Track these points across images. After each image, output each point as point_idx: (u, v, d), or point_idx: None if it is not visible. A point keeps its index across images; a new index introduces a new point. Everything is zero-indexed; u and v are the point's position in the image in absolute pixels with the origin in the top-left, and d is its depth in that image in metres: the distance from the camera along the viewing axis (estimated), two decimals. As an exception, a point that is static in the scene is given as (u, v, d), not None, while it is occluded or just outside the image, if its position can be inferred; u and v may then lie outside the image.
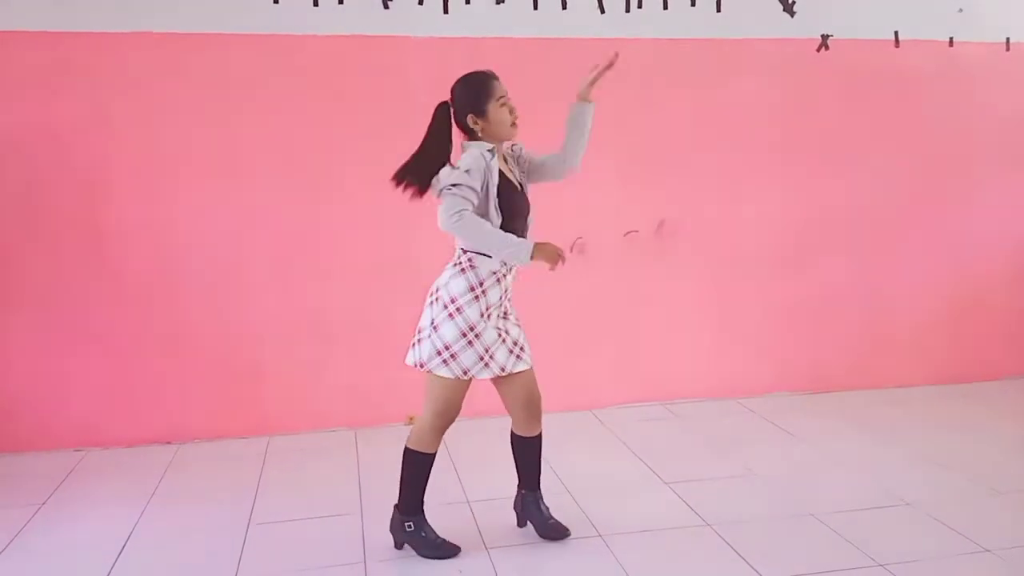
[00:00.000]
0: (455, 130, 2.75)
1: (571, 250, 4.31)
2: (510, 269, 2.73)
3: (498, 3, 4.15)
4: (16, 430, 3.92)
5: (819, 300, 4.68)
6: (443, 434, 2.81)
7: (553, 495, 3.31)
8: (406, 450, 2.84)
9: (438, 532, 2.89)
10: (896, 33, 4.56)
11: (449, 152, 2.70)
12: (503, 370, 2.75)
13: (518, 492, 3.02)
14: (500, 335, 2.73)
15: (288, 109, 4.01)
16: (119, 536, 3.07)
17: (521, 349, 2.81)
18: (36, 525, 3.19)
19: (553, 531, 2.96)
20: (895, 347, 4.79)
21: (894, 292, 4.77)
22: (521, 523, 3.03)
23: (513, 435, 2.95)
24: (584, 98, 2.85)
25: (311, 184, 4.07)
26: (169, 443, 4.06)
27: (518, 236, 2.66)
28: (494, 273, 2.69)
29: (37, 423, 3.95)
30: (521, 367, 2.80)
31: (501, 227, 2.65)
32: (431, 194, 2.70)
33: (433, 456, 2.83)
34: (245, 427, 4.12)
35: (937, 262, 4.79)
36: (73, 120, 3.85)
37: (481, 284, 2.67)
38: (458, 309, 2.66)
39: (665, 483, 3.49)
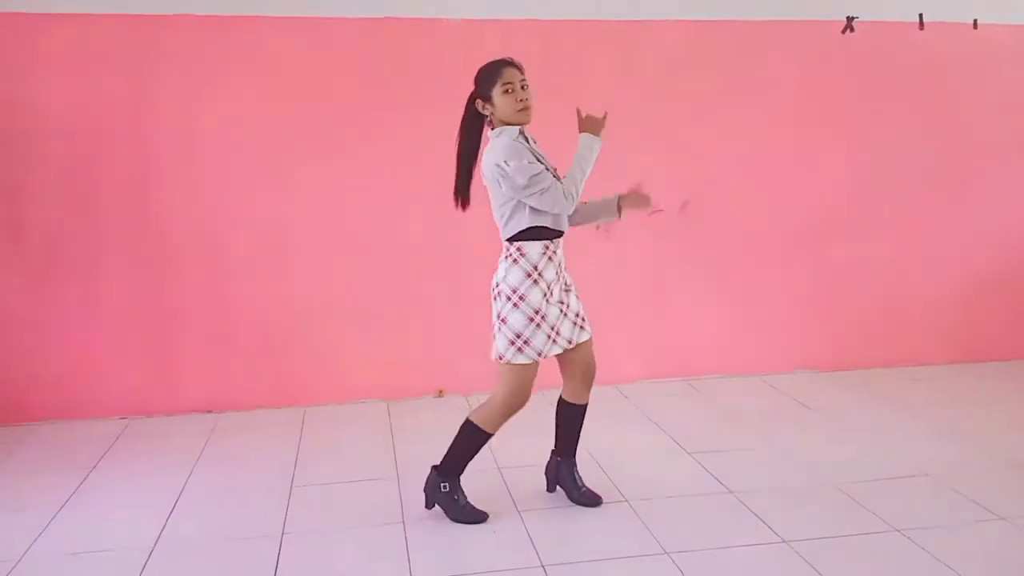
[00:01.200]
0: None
1: (596, 229, 4.41)
2: (557, 244, 2.83)
3: (524, -13, 4.24)
4: (66, 398, 4.10)
5: (840, 280, 4.77)
6: (508, 419, 2.88)
7: (580, 464, 3.44)
8: (468, 421, 2.91)
9: (470, 497, 3.01)
10: (920, 15, 4.61)
11: (479, 148, 2.85)
12: (570, 343, 2.87)
13: (552, 457, 3.15)
14: (562, 310, 2.85)
15: (325, 90, 4.14)
16: (170, 496, 3.24)
17: (583, 320, 2.94)
18: (89, 486, 3.37)
19: (585, 498, 3.08)
20: (913, 326, 4.88)
21: (914, 272, 4.85)
22: (551, 488, 3.17)
23: (562, 401, 3.06)
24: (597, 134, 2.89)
25: (348, 164, 4.20)
26: (210, 412, 4.23)
27: (552, 220, 2.80)
28: (543, 253, 2.79)
29: (85, 392, 4.12)
30: (584, 337, 2.94)
31: (535, 214, 2.76)
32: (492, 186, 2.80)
33: (491, 436, 2.92)
34: (282, 398, 4.28)
35: (956, 243, 4.85)
36: (118, 101, 3.99)
37: (536, 268, 2.78)
38: (521, 297, 2.78)
39: (688, 453, 3.62)
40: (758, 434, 3.85)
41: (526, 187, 2.70)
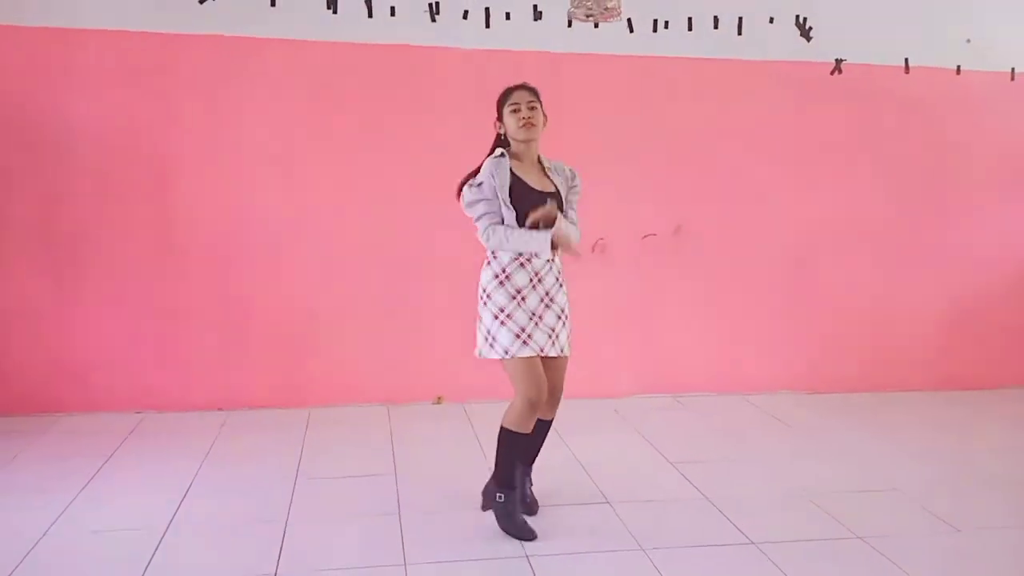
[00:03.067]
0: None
1: (593, 250, 4.67)
2: (534, 254, 3.00)
3: (536, 20, 4.52)
4: (85, 392, 4.34)
5: (825, 307, 5.01)
6: (532, 413, 3.00)
7: (568, 469, 3.70)
8: (501, 428, 3.06)
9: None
10: (906, 60, 4.88)
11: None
12: (542, 351, 3.01)
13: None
14: (532, 319, 2.99)
15: (338, 110, 4.41)
16: (181, 484, 3.46)
17: (556, 337, 3.06)
18: (106, 473, 3.59)
19: (527, 505, 3.20)
20: (897, 353, 5.10)
21: (897, 302, 5.08)
22: None
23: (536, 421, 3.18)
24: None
25: (358, 178, 4.46)
26: (220, 410, 4.46)
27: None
28: (515, 259, 2.99)
29: (103, 386, 4.36)
30: (553, 353, 3.06)
31: (506, 221, 2.96)
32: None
33: (527, 437, 3.06)
34: (288, 398, 4.52)
35: (938, 275, 5.10)
36: (145, 115, 4.27)
37: (504, 270, 3.00)
38: (488, 296, 3.02)
39: (671, 463, 3.83)
40: (738, 448, 4.07)
41: (466, 208, 3.01)
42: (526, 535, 3.02)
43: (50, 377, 4.31)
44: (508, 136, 3.07)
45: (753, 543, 3.02)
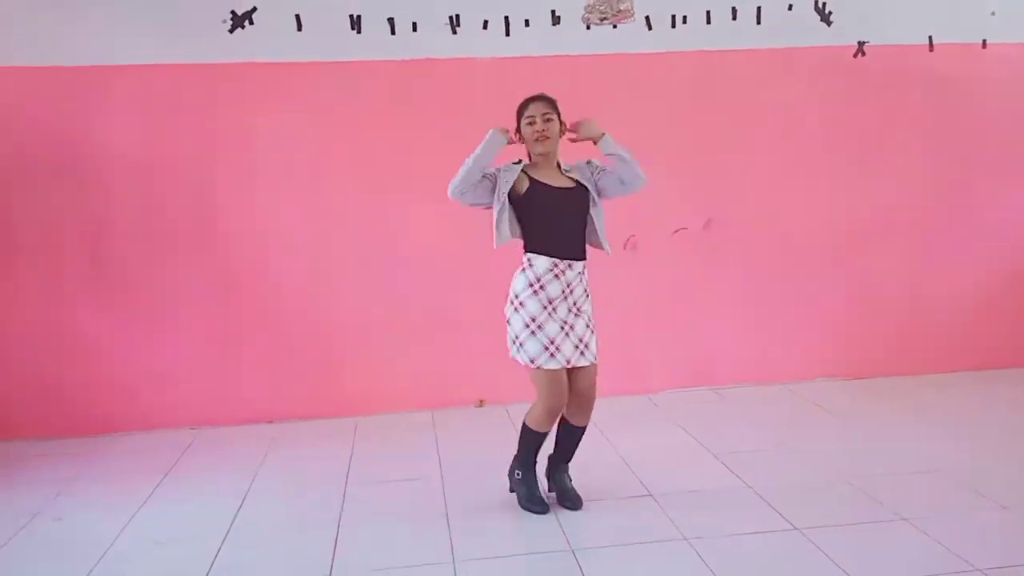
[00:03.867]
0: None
1: (624, 247, 4.72)
2: (569, 266, 3.10)
3: (554, 24, 4.59)
4: (139, 410, 4.52)
5: (861, 292, 4.98)
6: (555, 418, 3.17)
7: (610, 465, 3.77)
8: (523, 424, 3.24)
9: (503, 492, 3.34)
10: (930, 37, 4.84)
11: None
12: (569, 363, 3.10)
13: (549, 461, 3.39)
14: (563, 329, 3.08)
15: (369, 126, 4.53)
16: (238, 494, 3.60)
17: (586, 347, 3.15)
18: (166, 486, 3.74)
19: (571, 499, 3.30)
20: (933, 335, 5.06)
21: (930, 284, 5.04)
22: (551, 488, 3.39)
23: (563, 419, 3.29)
24: (595, 139, 3.20)
25: (391, 192, 4.57)
26: (270, 422, 4.60)
27: (554, 234, 3.11)
28: (550, 270, 3.09)
29: (157, 405, 4.53)
30: (583, 363, 3.14)
31: (541, 235, 3.12)
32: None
33: (545, 435, 3.23)
34: (334, 409, 4.64)
35: (972, 256, 5.04)
36: (184, 143, 4.42)
37: (539, 280, 3.09)
38: (521, 303, 3.11)
39: (712, 454, 3.87)
40: (779, 436, 4.08)
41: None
42: (540, 509, 3.22)
43: (105, 398, 4.49)
44: (527, 148, 3.18)
45: (797, 529, 3.05)
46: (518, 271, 3.17)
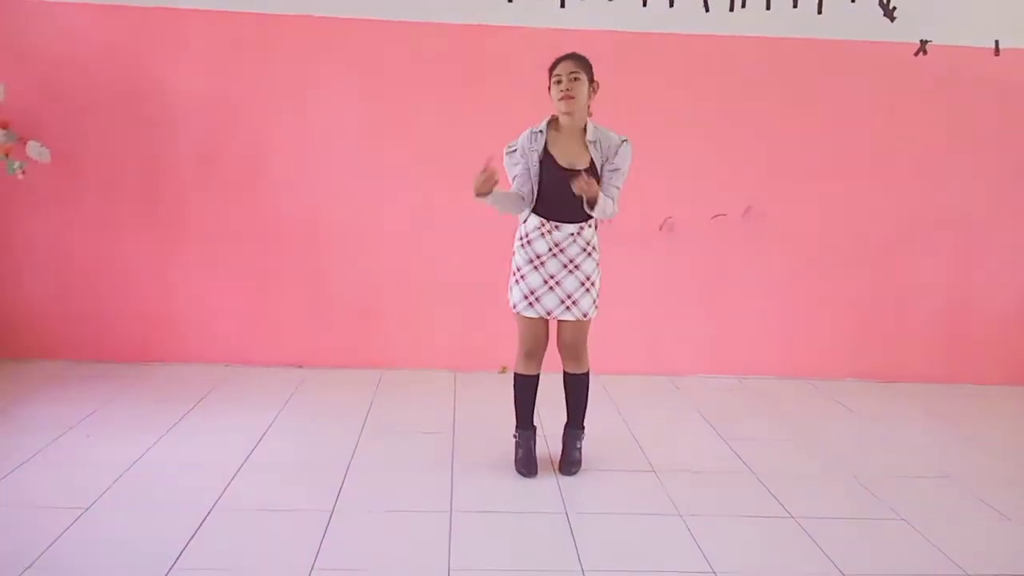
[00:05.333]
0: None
1: (660, 228, 4.74)
2: (556, 227, 3.16)
3: (610, 1, 4.59)
4: (179, 344, 4.73)
5: (900, 294, 4.91)
6: (529, 360, 3.30)
7: (619, 439, 3.82)
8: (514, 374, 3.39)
9: (511, 453, 3.43)
10: (996, 42, 4.70)
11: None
12: (549, 314, 3.21)
13: (564, 426, 3.49)
14: (547, 283, 3.18)
15: (419, 88, 4.61)
16: (259, 429, 3.77)
17: (573, 303, 3.20)
18: (194, 416, 3.93)
19: (564, 463, 3.39)
20: (973, 345, 4.96)
21: (977, 292, 4.93)
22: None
23: (564, 373, 3.40)
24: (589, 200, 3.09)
25: (435, 156, 4.65)
26: (300, 366, 4.77)
27: (547, 200, 3.15)
28: (538, 228, 3.19)
29: (196, 339, 4.74)
30: (567, 317, 3.23)
31: (538, 199, 3.16)
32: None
33: (523, 377, 3.33)
34: (363, 360, 4.78)
35: (1019, 266, 4.90)
36: (242, 92, 4.58)
37: (527, 235, 3.22)
38: (514, 252, 3.29)
39: (723, 439, 3.89)
40: (794, 429, 4.08)
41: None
42: (524, 472, 3.31)
43: (148, 328, 4.71)
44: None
45: (792, 517, 3.07)
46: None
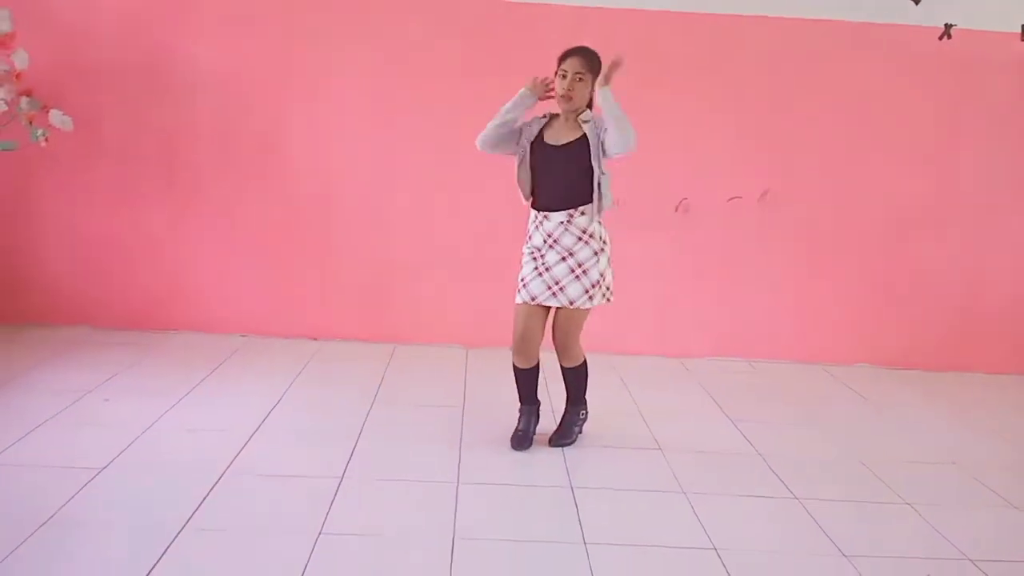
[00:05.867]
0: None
1: (676, 209, 4.73)
2: (545, 217, 3.20)
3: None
4: (196, 312, 4.80)
5: (915, 281, 4.88)
6: (518, 354, 3.33)
7: (627, 417, 3.85)
8: None
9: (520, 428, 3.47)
10: (1023, 26, 4.62)
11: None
12: (533, 299, 3.23)
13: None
14: (537, 269, 3.22)
15: (437, 65, 4.62)
16: (272, 398, 3.83)
17: (560, 289, 3.20)
18: (209, 384, 4.00)
19: (555, 433, 3.47)
20: (985, 333, 4.93)
21: (992, 280, 4.89)
22: None
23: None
24: (601, 85, 3.12)
25: (451, 133, 4.65)
26: (315, 339, 4.83)
27: (540, 188, 3.22)
28: (533, 220, 3.28)
29: (213, 309, 4.80)
30: (552, 303, 3.23)
31: (532, 188, 3.26)
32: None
33: (516, 369, 3.39)
34: (376, 333, 4.84)
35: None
36: (260, 62, 4.60)
37: (528, 231, 3.32)
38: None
39: (731, 420, 3.91)
40: (803, 412, 4.09)
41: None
42: (515, 446, 3.37)
43: (167, 298, 4.78)
44: None
45: (796, 498, 3.09)
46: None
